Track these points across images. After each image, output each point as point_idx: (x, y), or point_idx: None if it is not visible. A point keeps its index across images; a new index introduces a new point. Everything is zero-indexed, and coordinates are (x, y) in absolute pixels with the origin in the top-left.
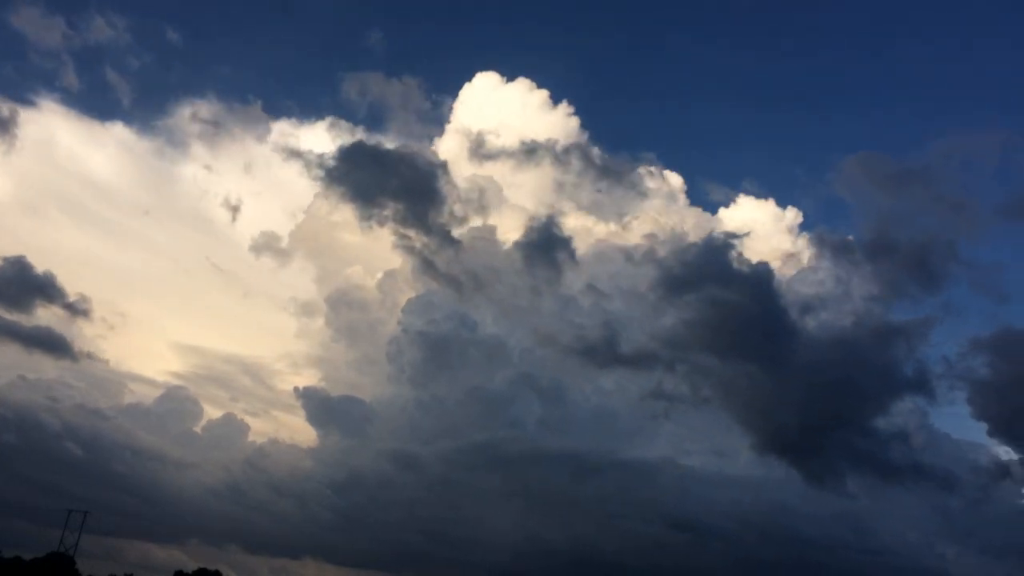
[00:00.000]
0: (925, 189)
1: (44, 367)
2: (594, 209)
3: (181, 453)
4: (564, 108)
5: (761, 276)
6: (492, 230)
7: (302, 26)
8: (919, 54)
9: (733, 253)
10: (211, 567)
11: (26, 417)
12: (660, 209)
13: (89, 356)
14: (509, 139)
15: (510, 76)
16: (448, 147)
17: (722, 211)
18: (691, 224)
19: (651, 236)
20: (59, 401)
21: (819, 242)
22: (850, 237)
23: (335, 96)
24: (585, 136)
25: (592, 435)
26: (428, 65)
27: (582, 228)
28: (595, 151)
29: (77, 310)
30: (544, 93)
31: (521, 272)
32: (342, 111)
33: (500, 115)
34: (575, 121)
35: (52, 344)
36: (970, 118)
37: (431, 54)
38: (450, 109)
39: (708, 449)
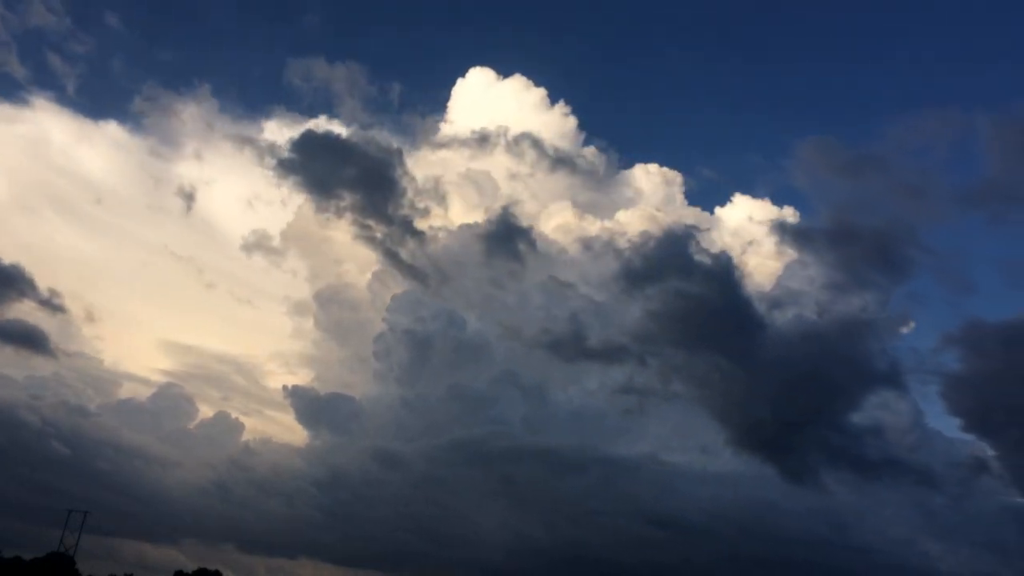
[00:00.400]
0: (882, 176)
1: (32, 364)
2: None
3: (172, 452)
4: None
5: (724, 266)
6: (461, 224)
7: (244, 10)
8: (872, 38)
9: (694, 244)
10: (207, 567)
11: (10, 415)
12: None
13: (81, 355)
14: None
15: (505, 73)
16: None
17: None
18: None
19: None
20: (41, 399)
21: (781, 230)
22: (811, 225)
23: (281, 82)
24: (581, 134)
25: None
26: (422, 62)
27: (566, 223)
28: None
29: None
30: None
31: (482, 265)
32: (289, 98)
33: (495, 111)
34: (568, 114)
35: (27, 340)
36: (925, 101)
37: (425, 50)
38: (444, 105)
39: (686, 445)
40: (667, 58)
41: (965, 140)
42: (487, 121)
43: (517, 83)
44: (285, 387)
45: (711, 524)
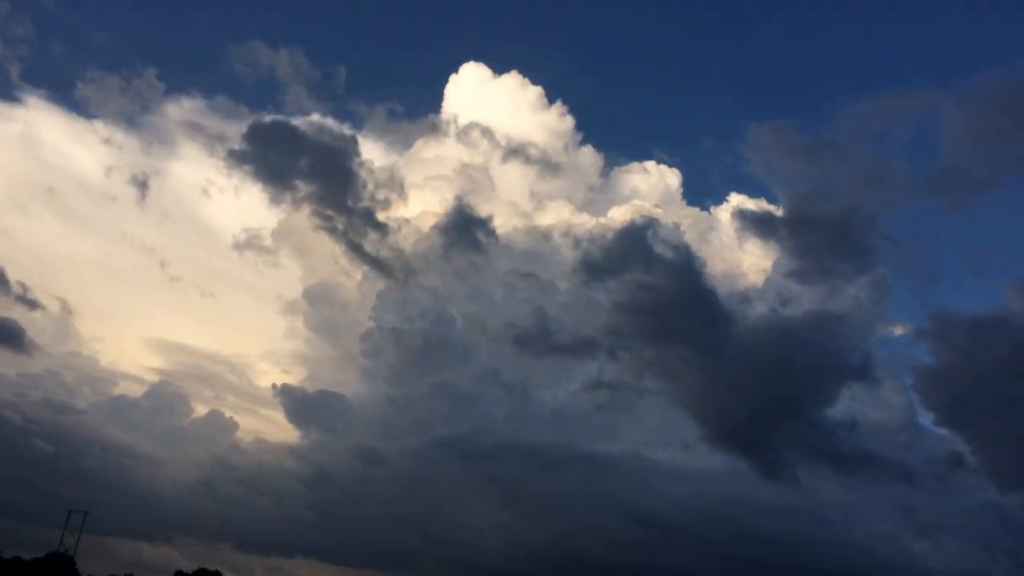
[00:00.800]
0: (840, 161)
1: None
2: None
3: (164, 451)
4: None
5: (685, 257)
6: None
7: None
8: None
9: (651, 234)
10: (203, 566)
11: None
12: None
13: (71, 353)
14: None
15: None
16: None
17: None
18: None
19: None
20: (26, 396)
21: (741, 217)
22: (773, 210)
23: (226, 67)
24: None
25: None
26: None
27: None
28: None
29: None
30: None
31: (441, 259)
32: (235, 84)
33: (489, 107)
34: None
35: (9, 337)
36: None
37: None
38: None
39: (661, 441)
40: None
41: (925, 123)
42: (480, 118)
43: (513, 80)
44: (275, 385)
45: (690, 521)
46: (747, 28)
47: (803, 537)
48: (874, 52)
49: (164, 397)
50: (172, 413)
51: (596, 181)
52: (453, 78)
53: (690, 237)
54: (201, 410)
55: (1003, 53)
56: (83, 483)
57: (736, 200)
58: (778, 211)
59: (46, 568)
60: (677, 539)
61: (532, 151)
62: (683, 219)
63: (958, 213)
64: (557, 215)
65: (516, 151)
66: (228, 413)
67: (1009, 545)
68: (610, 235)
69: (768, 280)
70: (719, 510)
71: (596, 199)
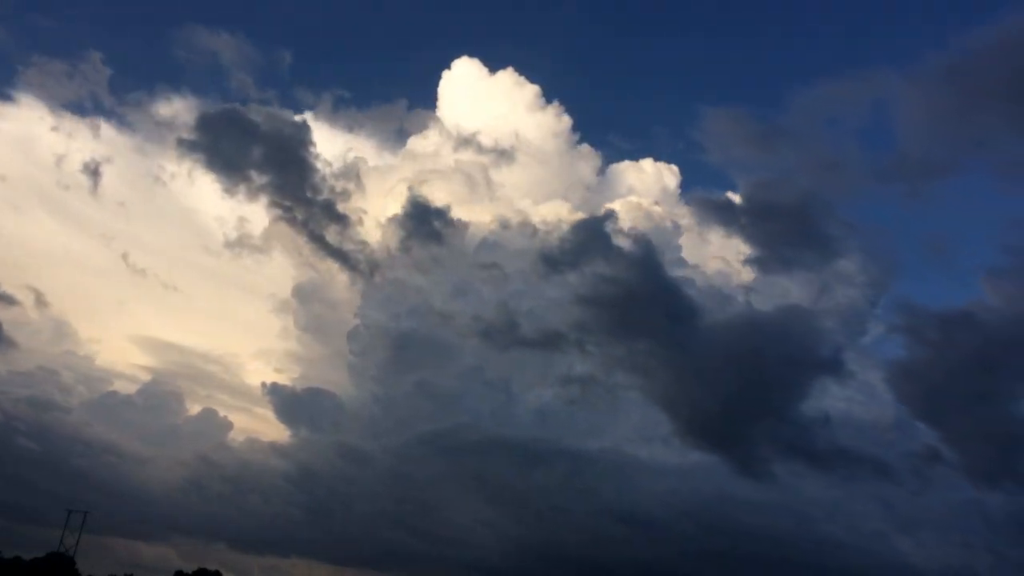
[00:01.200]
0: (795, 148)
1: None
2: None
3: (157, 450)
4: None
5: (645, 249)
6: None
7: None
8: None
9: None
10: (198, 565)
11: None
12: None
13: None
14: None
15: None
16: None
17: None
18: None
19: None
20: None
21: (699, 204)
22: (731, 197)
23: (170, 52)
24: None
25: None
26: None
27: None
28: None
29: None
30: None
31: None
32: (183, 70)
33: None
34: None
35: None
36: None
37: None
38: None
39: (632, 437)
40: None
41: (879, 106)
42: (475, 116)
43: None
44: (264, 384)
45: (670, 517)
46: (692, 15)
47: (783, 533)
48: (824, 35)
49: (158, 395)
50: (164, 411)
51: (592, 179)
52: (446, 74)
53: (652, 228)
54: (192, 408)
55: (954, 29)
56: (77, 483)
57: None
58: (737, 199)
59: (46, 568)
60: (657, 535)
61: (484, 140)
62: (681, 217)
63: (916, 201)
64: (524, 205)
65: (468, 141)
66: (204, 404)
67: (989, 540)
68: (566, 227)
69: (732, 272)
70: (698, 506)
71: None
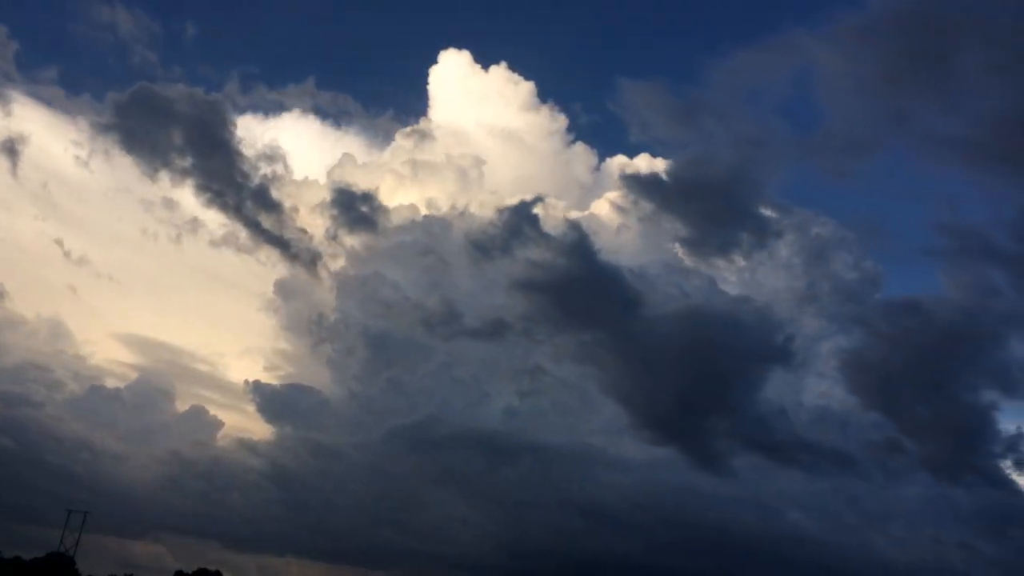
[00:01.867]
0: (717, 123)
1: None
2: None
3: (149, 448)
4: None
5: (577, 234)
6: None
7: None
8: None
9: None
10: (192, 563)
11: None
12: None
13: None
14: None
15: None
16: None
17: None
18: None
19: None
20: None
21: (629, 184)
22: (662, 176)
23: (68, 30)
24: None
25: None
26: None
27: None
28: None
29: None
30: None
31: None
32: (87, 46)
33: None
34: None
35: None
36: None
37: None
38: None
39: (581, 428)
40: None
41: (799, 76)
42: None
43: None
44: (247, 381)
45: (631, 510)
46: None
47: (745, 526)
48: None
49: (157, 393)
50: (161, 410)
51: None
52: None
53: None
54: (196, 407)
55: None
56: (73, 483)
57: (620, 163)
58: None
59: (46, 568)
60: (622, 530)
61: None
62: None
63: (845, 179)
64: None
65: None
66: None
67: (957, 532)
68: (491, 213)
69: (669, 258)
70: (661, 499)
71: None
